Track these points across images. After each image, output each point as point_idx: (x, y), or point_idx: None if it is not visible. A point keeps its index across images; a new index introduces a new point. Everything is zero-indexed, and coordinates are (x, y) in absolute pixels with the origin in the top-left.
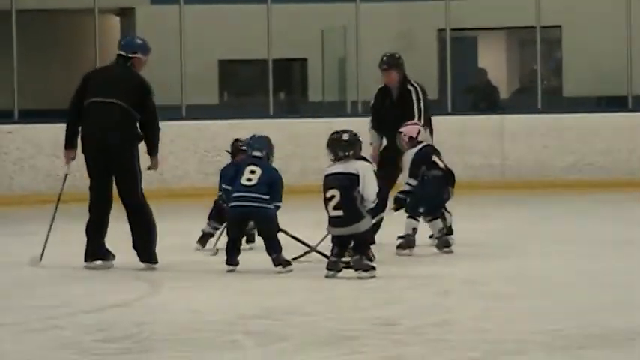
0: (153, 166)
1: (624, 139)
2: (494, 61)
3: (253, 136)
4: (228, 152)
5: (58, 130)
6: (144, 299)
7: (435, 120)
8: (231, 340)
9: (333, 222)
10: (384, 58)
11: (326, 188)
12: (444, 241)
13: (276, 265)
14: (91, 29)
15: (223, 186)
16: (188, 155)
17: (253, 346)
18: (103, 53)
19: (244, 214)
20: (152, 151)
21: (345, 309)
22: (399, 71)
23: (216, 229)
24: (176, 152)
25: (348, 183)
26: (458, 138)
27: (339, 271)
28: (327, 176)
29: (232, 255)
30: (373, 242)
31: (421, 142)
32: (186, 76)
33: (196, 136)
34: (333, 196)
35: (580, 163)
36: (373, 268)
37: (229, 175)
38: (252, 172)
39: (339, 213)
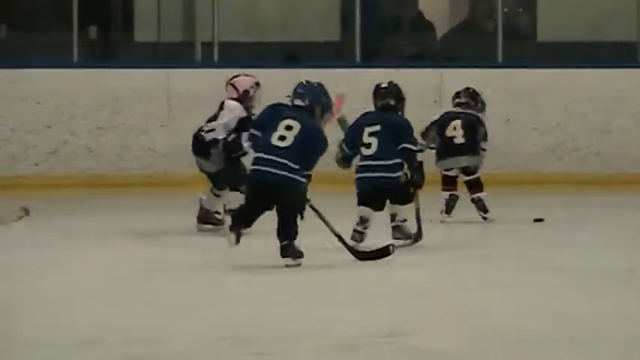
0: None
1: None
2: None
3: (302, 81)
4: None
5: None
6: None
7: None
8: None
9: None
10: None
11: None
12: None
13: (283, 255)
14: None
15: None
16: None
17: None
18: None
19: (268, 183)
20: None
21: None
22: None
23: None
24: None
25: None
26: None
27: None
28: None
29: (236, 228)
30: None
31: None
32: None
33: None
34: None
35: None
36: None
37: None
38: (288, 127)
39: None
